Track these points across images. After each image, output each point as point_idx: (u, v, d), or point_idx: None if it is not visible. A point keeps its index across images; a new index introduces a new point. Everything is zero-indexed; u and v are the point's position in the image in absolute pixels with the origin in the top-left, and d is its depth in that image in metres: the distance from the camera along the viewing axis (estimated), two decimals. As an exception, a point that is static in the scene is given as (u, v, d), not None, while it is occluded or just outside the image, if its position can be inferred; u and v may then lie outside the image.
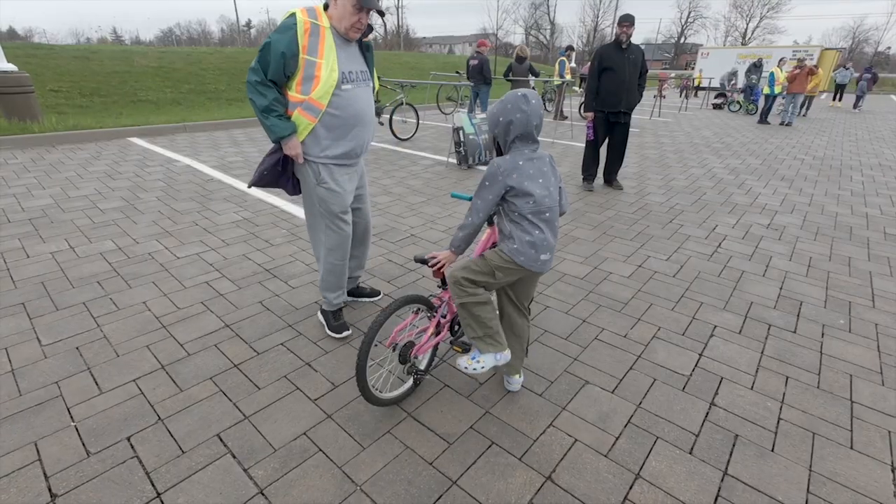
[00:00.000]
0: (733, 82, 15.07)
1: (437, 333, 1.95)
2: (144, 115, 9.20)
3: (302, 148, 2.06)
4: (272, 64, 1.87)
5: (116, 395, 1.93)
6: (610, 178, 5.34)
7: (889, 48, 50.77)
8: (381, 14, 2.24)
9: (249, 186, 2.21)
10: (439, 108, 11.43)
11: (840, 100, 18.66)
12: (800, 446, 1.76)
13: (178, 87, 11.71)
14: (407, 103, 7.78)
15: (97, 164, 5.66)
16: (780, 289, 3.00)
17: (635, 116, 12.20)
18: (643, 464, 1.67)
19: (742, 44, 44.00)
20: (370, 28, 2.06)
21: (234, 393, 1.96)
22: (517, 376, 1.98)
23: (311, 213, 2.28)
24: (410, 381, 1.95)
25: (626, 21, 4.56)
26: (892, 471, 1.67)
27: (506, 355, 1.75)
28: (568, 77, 11.12)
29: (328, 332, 2.39)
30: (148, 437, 1.72)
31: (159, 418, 1.81)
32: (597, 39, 47.65)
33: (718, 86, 16.06)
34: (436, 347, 2.01)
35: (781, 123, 11.72)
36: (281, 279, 2.96)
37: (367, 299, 2.73)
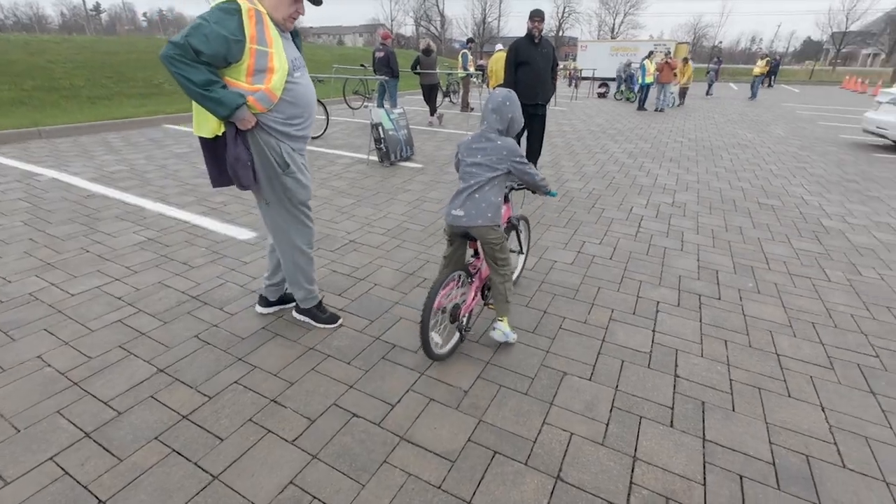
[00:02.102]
0: (629, 73, 16.51)
1: (475, 297, 2.26)
2: (-23, 119, 7.48)
3: (258, 120, 1.93)
4: (212, 46, 1.70)
5: (31, 480, 1.53)
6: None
7: (721, 42, 59.88)
8: (318, 3, 2.03)
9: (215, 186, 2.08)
10: (347, 102, 10.97)
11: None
12: (753, 402, 1.99)
13: (18, 84, 9.70)
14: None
15: (-78, 185, 4.47)
16: (698, 260, 3.38)
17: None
18: (636, 446, 1.75)
19: (612, 37, 48.78)
20: None
21: (191, 451, 1.67)
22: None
23: (275, 212, 2.14)
24: (457, 336, 2.24)
25: (537, 16, 4.73)
26: (822, 410, 1.97)
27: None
28: (472, 69, 11.34)
29: (321, 325, 2.42)
30: (91, 527, 1.40)
31: (101, 501, 1.48)
32: (486, 31, 49.37)
33: (615, 76, 17.40)
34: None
35: (656, 109, 13.23)
36: (214, 306, 2.60)
37: (290, 305, 2.60)
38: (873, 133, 8.19)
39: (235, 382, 2.02)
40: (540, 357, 2.25)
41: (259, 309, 2.53)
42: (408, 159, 6.23)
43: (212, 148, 2.00)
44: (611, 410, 1.92)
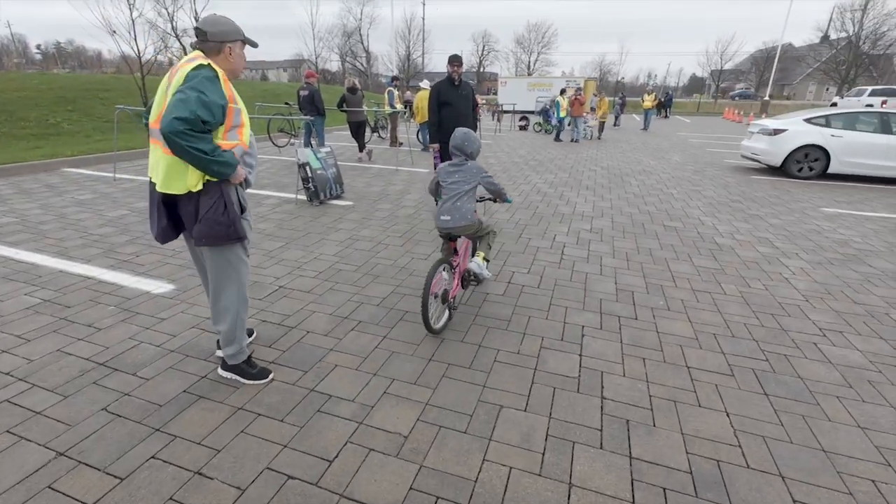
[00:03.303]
0: (545, 107, 17.57)
1: (457, 284, 2.95)
2: None
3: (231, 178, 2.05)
4: (214, 115, 1.85)
5: None
6: None
7: (623, 77, 66.87)
8: (255, 46, 2.24)
9: (164, 242, 2.13)
10: (272, 140, 10.70)
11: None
12: (670, 416, 2.17)
13: None
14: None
15: None
16: (616, 283, 3.67)
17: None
18: (571, 472, 1.84)
19: (528, 74, 52.56)
20: None
21: (99, 545, 1.49)
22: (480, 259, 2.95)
23: (228, 254, 2.15)
24: (447, 315, 2.90)
25: (456, 61, 5.03)
26: (727, 415, 2.19)
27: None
28: (399, 106, 11.64)
29: (250, 382, 2.32)
30: None
31: None
32: (411, 67, 51.08)
33: (540, 110, 18.36)
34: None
35: (571, 140, 14.35)
36: (125, 372, 2.38)
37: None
38: (749, 158, 9.49)
39: (152, 457, 1.84)
40: (477, 392, 2.30)
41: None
42: (338, 197, 6.19)
43: (171, 204, 2.04)
44: (546, 439, 2.00)
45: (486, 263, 2.96)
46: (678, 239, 4.85)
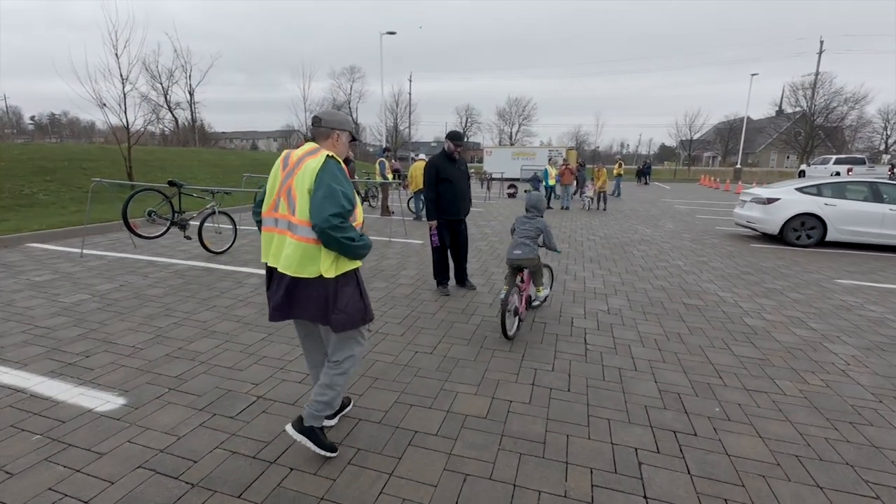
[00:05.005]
0: (535, 176, 17.86)
1: (523, 303, 4.00)
2: None
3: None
4: (352, 204, 2.06)
5: None
6: (462, 279, 5.31)
7: (598, 147, 70.75)
8: (359, 141, 2.66)
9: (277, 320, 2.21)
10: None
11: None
12: None
13: None
14: (220, 212, 6.65)
15: None
16: (656, 382, 3.14)
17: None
18: None
19: (511, 144, 55.06)
20: None
21: None
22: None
23: (349, 333, 2.26)
24: (517, 325, 3.88)
25: (459, 140, 4.86)
26: None
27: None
28: (389, 176, 11.56)
29: (322, 452, 2.23)
30: None
31: None
32: (398, 138, 53.10)
33: (529, 178, 18.69)
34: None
35: (562, 208, 14.40)
36: (31, 552, 1.69)
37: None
38: (744, 226, 9.44)
39: None
40: (524, 570, 1.68)
41: (327, 422, 2.49)
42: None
43: (295, 286, 2.10)
44: None
45: (543, 295, 4.51)
46: (704, 320, 4.41)
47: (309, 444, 2.21)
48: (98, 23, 14.37)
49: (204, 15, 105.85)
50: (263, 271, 5.84)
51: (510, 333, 3.73)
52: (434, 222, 4.91)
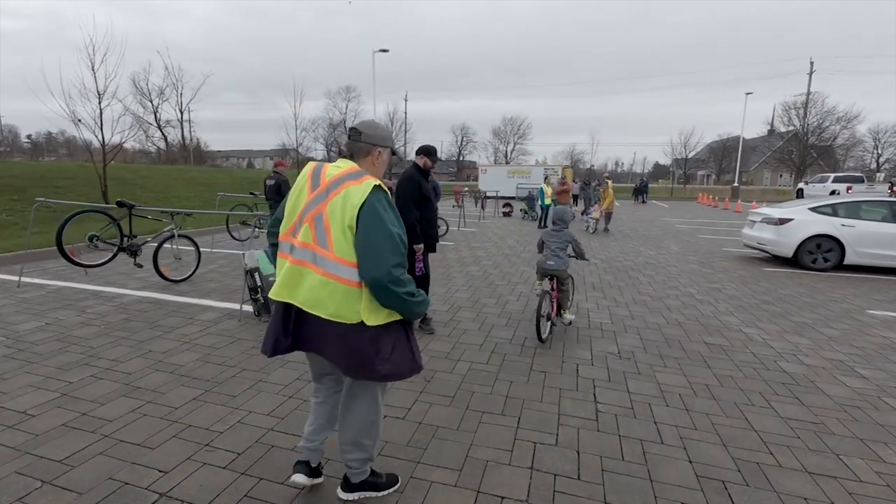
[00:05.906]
0: (531, 195, 17.29)
1: (554, 308, 4.37)
2: None
3: None
4: (406, 248, 1.76)
5: None
6: (422, 317, 4.61)
7: (593, 165, 70.96)
8: (401, 158, 2.41)
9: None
10: (230, 233, 9.62)
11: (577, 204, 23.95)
12: None
13: None
14: (180, 235, 5.93)
15: None
16: (690, 462, 2.43)
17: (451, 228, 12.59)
18: None
19: (506, 162, 54.99)
20: None
21: None
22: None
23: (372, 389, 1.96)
24: (549, 326, 4.23)
25: (435, 156, 4.33)
26: None
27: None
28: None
29: (386, 491, 2.07)
30: None
31: None
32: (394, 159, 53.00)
33: (525, 197, 18.00)
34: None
35: (559, 228, 13.78)
36: None
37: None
38: (754, 248, 8.83)
39: None
40: None
41: (301, 479, 2.04)
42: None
43: (327, 324, 1.76)
44: None
45: (567, 319, 4.48)
46: (733, 365, 3.72)
47: (370, 495, 2.07)
48: (77, 42, 13.89)
49: (204, 36, 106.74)
50: (224, 304, 5.13)
51: (544, 336, 4.05)
52: (420, 246, 4.23)
